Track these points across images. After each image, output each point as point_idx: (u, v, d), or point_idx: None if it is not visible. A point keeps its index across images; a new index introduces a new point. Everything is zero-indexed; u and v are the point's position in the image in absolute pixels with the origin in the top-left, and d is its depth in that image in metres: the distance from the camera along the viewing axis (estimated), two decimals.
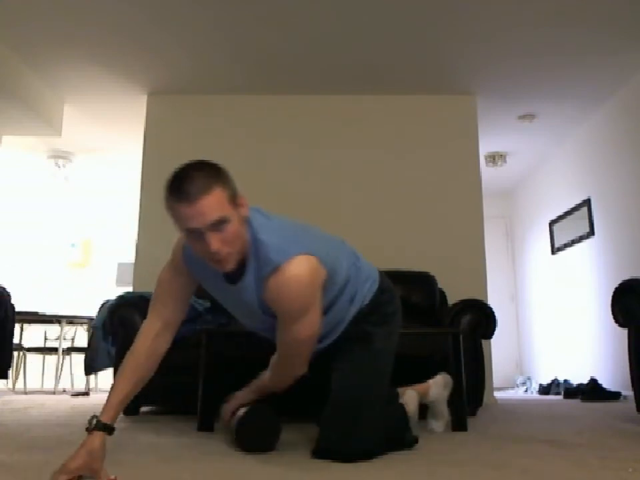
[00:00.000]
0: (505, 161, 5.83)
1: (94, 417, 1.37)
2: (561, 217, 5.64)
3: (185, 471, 1.43)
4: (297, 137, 4.51)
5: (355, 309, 1.73)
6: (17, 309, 4.17)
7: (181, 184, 1.32)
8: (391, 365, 1.76)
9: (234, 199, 1.38)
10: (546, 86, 4.42)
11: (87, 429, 1.35)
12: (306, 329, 1.50)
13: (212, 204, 1.30)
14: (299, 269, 1.41)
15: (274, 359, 1.74)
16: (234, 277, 1.50)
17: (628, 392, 4.06)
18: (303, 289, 1.42)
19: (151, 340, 1.51)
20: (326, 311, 1.61)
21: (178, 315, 1.57)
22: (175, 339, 2.49)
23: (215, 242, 1.32)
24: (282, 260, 1.41)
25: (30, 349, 5.19)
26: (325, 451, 1.61)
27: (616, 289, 2.66)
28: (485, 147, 5.46)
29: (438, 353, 2.77)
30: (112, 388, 1.44)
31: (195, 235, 1.33)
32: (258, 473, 1.43)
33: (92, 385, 5.31)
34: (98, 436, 1.33)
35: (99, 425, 1.35)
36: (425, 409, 2.08)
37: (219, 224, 1.32)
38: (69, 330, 5.48)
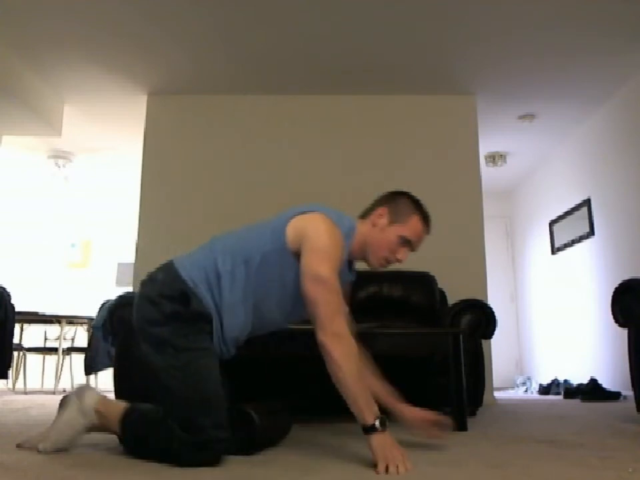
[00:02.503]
0: (505, 161, 5.83)
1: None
2: (561, 217, 5.64)
3: (188, 472, 1.43)
4: (296, 137, 4.51)
5: None
6: (17, 309, 4.17)
7: (430, 219, 1.80)
8: None
9: None
10: (546, 86, 4.42)
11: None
12: None
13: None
14: None
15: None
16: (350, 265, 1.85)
17: (628, 392, 4.06)
18: None
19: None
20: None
21: None
22: None
23: (404, 257, 1.75)
24: None
25: (30, 349, 5.19)
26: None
27: (616, 289, 2.66)
28: (485, 147, 5.46)
29: (438, 353, 2.78)
30: (364, 392, 1.49)
31: (404, 244, 1.74)
32: (259, 474, 1.43)
33: (92, 385, 5.31)
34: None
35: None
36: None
37: (412, 252, 1.79)
38: (69, 330, 5.49)
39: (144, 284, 1.75)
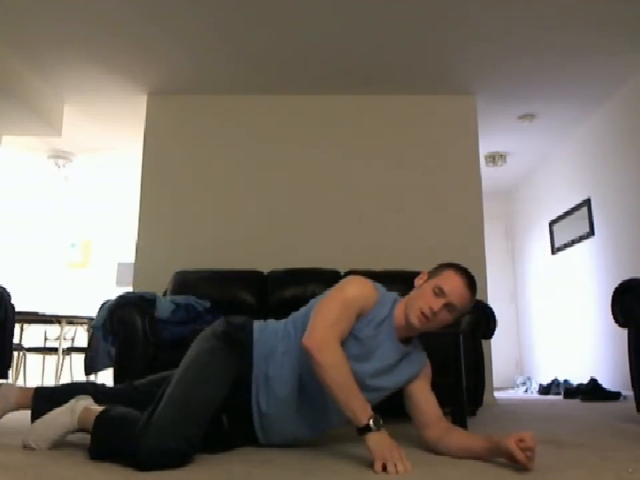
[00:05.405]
0: (505, 161, 5.83)
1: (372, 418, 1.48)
2: (561, 217, 5.64)
3: (189, 473, 1.43)
4: (296, 137, 4.51)
5: None
6: (17, 309, 4.16)
7: (470, 277, 1.70)
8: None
9: None
10: (546, 86, 4.42)
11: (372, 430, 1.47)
12: None
13: (469, 303, 1.71)
14: None
15: None
16: (405, 340, 1.78)
17: (628, 392, 4.06)
18: None
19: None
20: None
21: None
22: (175, 338, 2.50)
23: (441, 310, 1.66)
24: None
25: (30, 349, 5.19)
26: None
27: (616, 288, 2.66)
28: (485, 147, 5.46)
29: (438, 353, 2.77)
30: (354, 394, 1.51)
31: (438, 295, 1.66)
32: (259, 474, 1.43)
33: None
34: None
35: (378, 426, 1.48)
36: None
37: (454, 311, 1.68)
38: (69, 330, 5.48)
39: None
